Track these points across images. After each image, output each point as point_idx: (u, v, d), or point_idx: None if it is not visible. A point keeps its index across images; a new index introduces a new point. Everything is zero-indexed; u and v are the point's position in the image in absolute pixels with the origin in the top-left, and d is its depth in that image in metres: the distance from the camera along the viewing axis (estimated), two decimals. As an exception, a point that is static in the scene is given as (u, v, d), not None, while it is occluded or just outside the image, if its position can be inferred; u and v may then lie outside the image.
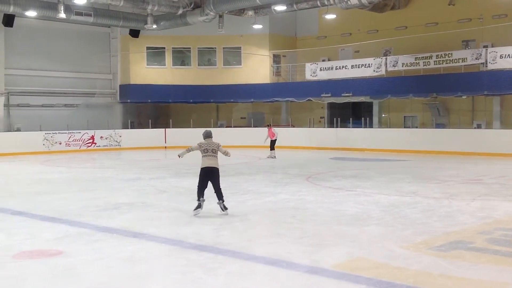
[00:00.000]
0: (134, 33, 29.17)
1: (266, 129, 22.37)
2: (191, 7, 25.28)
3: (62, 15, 23.40)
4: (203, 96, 29.97)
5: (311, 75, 27.89)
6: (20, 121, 26.76)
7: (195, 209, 9.33)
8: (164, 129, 29.11)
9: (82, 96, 29.37)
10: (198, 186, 9.50)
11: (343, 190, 12.38)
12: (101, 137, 27.10)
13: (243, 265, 6.29)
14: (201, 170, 9.58)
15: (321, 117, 30.03)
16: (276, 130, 22.16)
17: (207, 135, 9.95)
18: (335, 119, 27.01)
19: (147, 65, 30.65)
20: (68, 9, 24.08)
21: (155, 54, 30.80)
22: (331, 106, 29.50)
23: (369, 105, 28.15)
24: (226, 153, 9.89)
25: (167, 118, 30.53)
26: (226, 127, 30.69)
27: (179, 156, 10.25)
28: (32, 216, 9.33)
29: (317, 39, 30.18)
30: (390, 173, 16.07)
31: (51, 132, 25.42)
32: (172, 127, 29.16)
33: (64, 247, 7.09)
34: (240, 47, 30.47)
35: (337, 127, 26.63)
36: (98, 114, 28.99)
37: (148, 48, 30.43)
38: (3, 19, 25.06)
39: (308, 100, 28.22)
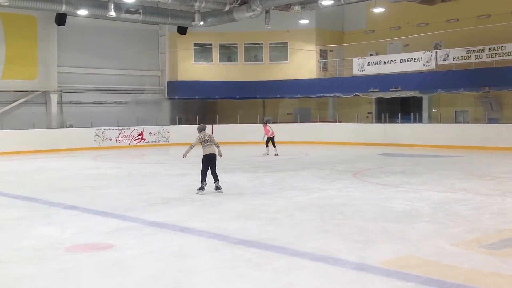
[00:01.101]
0: (182, 30, 29.51)
1: (269, 126, 21.53)
2: (238, 3, 25.39)
3: (112, 13, 23.94)
4: (250, 92, 30.07)
5: (358, 70, 27.56)
6: (73, 117, 27.52)
7: (198, 189, 11.28)
8: (211, 125, 29.35)
9: (131, 93, 29.96)
10: (202, 171, 11.34)
11: (391, 186, 12.19)
12: (150, 133, 27.58)
13: (289, 261, 6.28)
14: (203, 157, 11.35)
15: (368, 113, 29.64)
16: (271, 126, 21.45)
17: (202, 129, 11.82)
18: (383, 114, 26.62)
19: (194, 61, 30.98)
20: (118, 7, 24.60)
21: (202, 51, 31.09)
22: (379, 101, 29.07)
23: (419, 100, 27.58)
24: (217, 146, 11.58)
25: (214, 114, 30.79)
26: (272, 122, 30.67)
27: (184, 156, 11.72)
28: (84, 210, 9.58)
29: (365, 33, 29.78)
30: (441, 169, 15.71)
31: (102, 128, 26.05)
32: (219, 123, 29.37)
33: (114, 240, 7.25)
34: (287, 42, 30.40)
35: (385, 122, 26.24)
36: (146, 110, 29.50)
37: (195, 44, 30.74)
38: (56, 18, 25.79)
39: (356, 95, 27.91)
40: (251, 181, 13.27)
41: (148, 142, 27.46)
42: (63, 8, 24.28)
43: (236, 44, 30.89)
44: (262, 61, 30.98)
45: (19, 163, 19.32)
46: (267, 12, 25.54)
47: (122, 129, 26.75)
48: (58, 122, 27.03)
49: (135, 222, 8.51)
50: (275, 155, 20.63)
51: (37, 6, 23.67)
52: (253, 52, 31.45)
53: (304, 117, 29.73)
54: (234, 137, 28.23)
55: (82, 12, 24.75)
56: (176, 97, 30.74)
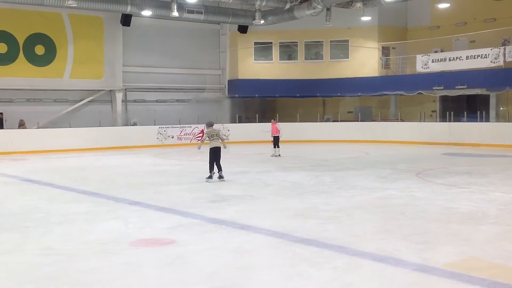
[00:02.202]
0: (243, 29, 29.73)
1: (274, 124, 20.58)
2: (299, 1, 25.33)
3: (175, 13, 24.44)
4: (310, 90, 29.93)
5: (422, 67, 26.90)
6: (136, 115, 28.27)
7: (207, 178, 13.00)
8: (270, 123, 29.38)
9: (192, 92, 30.46)
10: (209, 162, 13.11)
11: (455, 187, 11.84)
12: (211, 131, 27.90)
13: (349, 260, 6.22)
14: (210, 149, 13.15)
15: (432, 111, 28.88)
16: (280, 126, 20.55)
17: (210, 124, 13.59)
18: (447, 112, 25.86)
19: (254, 60, 31.14)
20: (181, 7, 25.08)
21: (263, 49, 31.20)
22: (444, 99, 28.27)
23: (486, 98, 26.61)
24: (223, 140, 13.64)
25: (273, 112, 30.83)
26: (332, 121, 30.46)
27: (199, 148, 13.95)
28: (147, 206, 9.82)
29: (429, 29, 29.04)
30: (508, 169, 15.12)
31: (164, 126, 26.62)
32: (279, 121, 29.34)
33: (176, 236, 7.40)
34: (348, 40, 30.05)
35: (450, 121, 25.49)
36: (207, 108, 29.91)
37: (255, 43, 30.89)
38: (121, 19, 26.58)
39: (419, 93, 27.25)
40: (310, 180, 13.21)
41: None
42: (128, 9, 25.02)
43: (297, 42, 30.82)
44: (323, 59, 30.76)
45: (86, 160, 20.03)
46: (328, 9, 25.34)
47: (184, 127, 27.23)
48: (123, 120, 27.82)
49: (196, 218, 8.65)
50: (275, 155, 19.63)
51: (104, 7, 24.51)
52: (313, 50, 31.28)
53: (365, 116, 29.31)
54: (294, 135, 28.16)
55: (146, 12, 25.39)
56: (237, 95, 31.00)
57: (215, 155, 13.09)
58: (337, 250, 6.63)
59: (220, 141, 13.42)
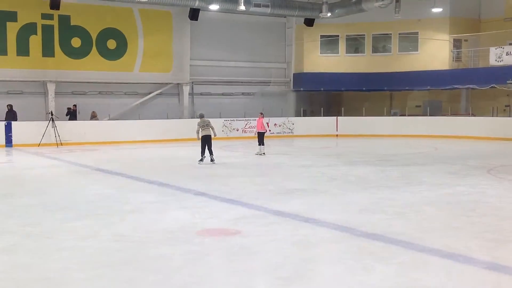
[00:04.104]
0: (309, 22, 29.55)
1: (260, 119, 18.71)
2: (367, -7, 24.93)
3: (242, 7, 24.63)
4: (377, 84, 29.43)
5: (496, 60, 25.87)
6: (202, 108, 28.58)
7: (199, 161, 15.23)
8: (335, 117, 29.19)
9: (258, 85, 30.60)
10: (201, 147, 15.32)
11: (530, 184, 11.36)
12: (275, 124, 28.02)
13: (416, 257, 6.11)
14: (202, 137, 15.34)
15: (506, 106, 27.74)
16: (265, 121, 18.83)
17: (202, 116, 15.85)
18: (522, 107, 24.82)
19: (320, 53, 30.92)
20: (248, 1, 25.26)
21: (329, 42, 30.93)
22: (518, 93, 27.12)
23: None
24: (212, 128, 15.53)
25: (339, 106, 30.56)
26: (400, 115, 29.83)
27: (198, 139, 15.41)
28: (212, 197, 9.99)
29: (504, 21, 27.84)
30: None
31: (229, 119, 26.92)
32: (344, 115, 29.12)
33: (241, 227, 7.50)
34: (417, 32, 29.30)
35: (525, 116, 24.44)
36: (272, 102, 29.98)
37: (322, 36, 30.65)
38: (189, 13, 27.05)
39: (492, 87, 26.23)
40: (376, 174, 13.02)
41: (273, 133, 27.92)
42: (196, 4, 25.45)
43: (364, 35, 30.34)
44: (391, 52, 30.16)
45: (154, 151, 20.58)
46: (397, 1, 24.79)
47: (249, 120, 27.44)
48: (189, 112, 28.35)
49: (260, 210, 8.73)
50: (259, 154, 18.07)
51: (173, 2, 25.05)
52: (381, 43, 30.71)
53: (434, 110, 28.52)
54: (360, 129, 27.87)
55: (214, 7, 25.72)
56: (302, 89, 30.90)
57: (206, 142, 15.34)
58: (403, 245, 6.52)
59: (211, 129, 15.44)
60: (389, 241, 6.72)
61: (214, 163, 15.19)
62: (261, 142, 18.14)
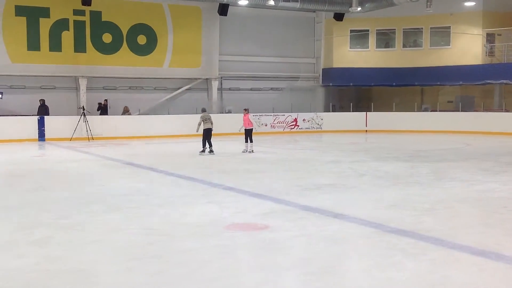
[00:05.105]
0: (339, 17, 29.34)
1: (246, 115, 17.65)
2: (397, -13, 24.62)
3: (271, 2, 24.61)
4: (407, 79, 29.08)
5: (530, 55, 25.31)
6: (231, 103, 28.81)
7: (200, 152, 16.49)
8: (365, 112, 28.96)
9: (286, 80, 30.55)
10: (202, 140, 16.55)
11: None
12: (304, 119, 27.96)
13: (447, 253, 6.03)
14: (204, 130, 16.47)
15: (540, 101, 27.16)
16: (251, 117, 18.32)
17: (204, 110, 17.11)
18: (558, 103, 24.23)
19: (350, 48, 30.68)
20: (277, -4, 25.20)
21: (358, 37, 30.66)
22: (554, 88, 26.49)
23: None
24: (212, 123, 16.64)
25: (368, 101, 30.30)
26: (431, 111, 29.43)
27: (197, 131, 16.48)
28: (240, 192, 10.02)
29: (539, 14, 27.23)
30: None
31: (258, 114, 26.94)
32: (374, 111, 28.86)
33: (269, 222, 7.50)
34: (449, 26, 28.83)
35: (560, 112, 23.85)
36: (301, 97, 29.91)
37: (351, 31, 30.41)
38: (219, 9, 27.13)
39: (526, 82, 25.70)
40: (406, 170, 12.88)
41: (301, 128, 27.87)
42: (225, -1, 25.53)
43: (394, 29, 30.00)
44: (422, 46, 29.75)
45: (183, 146, 20.74)
46: (428, -5, 24.44)
47: (277, 115, 27.43)
48: (218, 107, 28.46)
49: (289, 205, 8.72)
50: (248, 151, 17.22)
51: (202, -2, 25.17)
52: (412, 37, 30.32)
53: (467, 106, 28.06)
54: (389, 125, 27.59)
55: (243, 2, 25.77)
56: (331, 84, 30.72)
57: (207, 134, 16.49)
58: (434, 242, 6.44)
59: (211, 123, 16.52)
60: (419, 237, 6.64)
61: (213, 153, 16.48)
62: (248, 139, 17.27)
